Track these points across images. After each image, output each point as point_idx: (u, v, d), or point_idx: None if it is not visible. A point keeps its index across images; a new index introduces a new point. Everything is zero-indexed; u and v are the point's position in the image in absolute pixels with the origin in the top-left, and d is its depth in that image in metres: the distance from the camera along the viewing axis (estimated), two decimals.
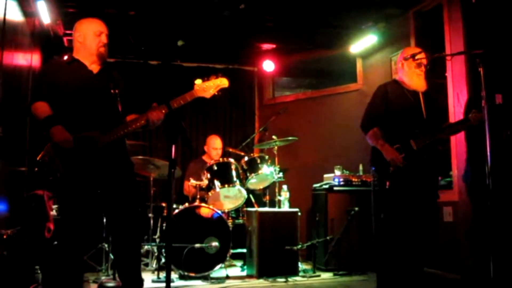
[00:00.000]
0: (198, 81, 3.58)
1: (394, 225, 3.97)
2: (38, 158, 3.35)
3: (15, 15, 5.04)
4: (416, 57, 4.10)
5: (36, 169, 3.34)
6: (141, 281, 3.54)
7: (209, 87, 3.59)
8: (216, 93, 3.63)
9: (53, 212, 5.05)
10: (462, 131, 4.29)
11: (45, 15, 5.57)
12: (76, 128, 3.37)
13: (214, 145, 6.71)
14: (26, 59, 5.58)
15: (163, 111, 3.46)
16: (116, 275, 5.11)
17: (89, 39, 3.58)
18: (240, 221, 6.19)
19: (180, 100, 3.51)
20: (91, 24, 3.63)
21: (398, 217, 3.96)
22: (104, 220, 5.03)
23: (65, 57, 3.68)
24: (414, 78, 4.14)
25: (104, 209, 3.61)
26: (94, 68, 3.61)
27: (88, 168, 3.37)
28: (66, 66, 3.57)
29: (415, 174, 3.94)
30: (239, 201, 5.91)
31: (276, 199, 5.91)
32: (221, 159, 5.92)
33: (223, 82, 3.64)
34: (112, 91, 3.51)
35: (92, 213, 3.50)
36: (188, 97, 3.53)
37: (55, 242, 4.59)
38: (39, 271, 4.49)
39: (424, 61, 4.16)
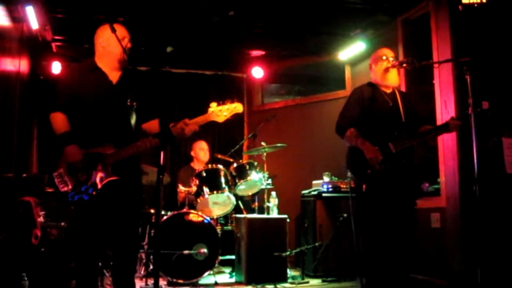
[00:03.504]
0: (213, 105, 3.57)
1: (373, 230, 3.95)
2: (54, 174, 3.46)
3: (3, 20, 5.01)
4: (383, 55, 4.17)
5: (47, 176, 3.46)
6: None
7: (223, 111, 3.58)
8: (229, 118, 3.63)
9: (41, 219, 5.01)
10: (441, 134, 4.31)
11: (33, 20, 5.54)
12: (90, 140, 3.47)
13: (201, 146, 6.74)
14: (14, 64, 5.55)
15: (197, 124, 3.54)
16: (104, 282, 5.09)
17: (113, 44, 3.58)
18: (229, 227, 6.18)
19: (194, 123, 3.54)
20: (117, 28, 3.60)
21: (376, 221, 3.93)
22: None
23: (88, 63, 3.70)
24: (387, 74, 4.14)
25: (106, 219, 3.60)
26: (114, 76, 3.65)
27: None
28: (88, 74, 3.61)
29: (393, 178, 3.91)
30: (228, 208, 5.90)
31: (265, 206, 5.91)
32: (209, 166, 5.91)
33: (238, 108, 3.63)
34: (128, 102, 3.54)
35: (96, 223, 3.52)
36: (201, 120, 3.56)
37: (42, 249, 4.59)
38: (26, 278, 4.45)
39: (390, 54, 4.19)
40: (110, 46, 3.60)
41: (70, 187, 3.39)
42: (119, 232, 3.55)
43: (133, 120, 3.63)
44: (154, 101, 3.84)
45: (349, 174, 6.22)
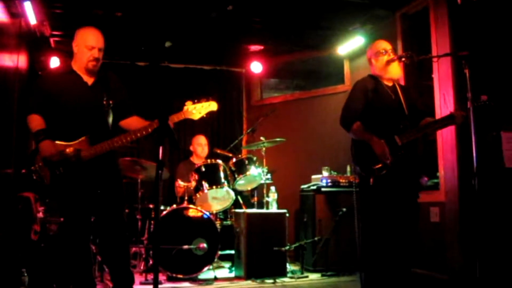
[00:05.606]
0: (188, 103, 3.74)
1: (381, 224, 3.94)
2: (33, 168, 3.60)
3: (1, 16, 5.00)
4: (382, 49, 4.15)
5: (24, 171, 3.54)
6: (132, 277, 3.73)
7: (198, 109, 3.75)
8: (204, 116, 3.81)
9: (40, 214, 5.01)
10: (446, 127, 4.29)
11: (31, 16, 5.53)
12: (66, 138, 3.59)
13: (199, 141, 6.73)
14: (13, 60, 5.54)
15: (172, 122, 3.67)
16: (104, 277, 5.10)
17: (81, 52, 3.71)
18: (228, 222, 6.19)
19: (169, 121, 3.63)
20: (87, 36, 3.73)
21: (382, 214, 3.91)
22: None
23: (63, 66, 3.86)
24: (388, 67, 4.10)
25: (92, 212, 3.76)
26: (89, 79, 3.77)
27: (72, 177, 3.58)
28: (63, 77, 3.73)
29: (400, 171, 3.88)
30: (227, 203, 5.91)
31: (264, 200, 5.91)
32: (209, 161, 5.90)
33: (212, 106, 3.81)
34: (105, 102, 3.68)
35: (80, 215, 3.66)
36: (176, 118, 3.69)
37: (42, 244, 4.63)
38: (25, 274, 4.46)
39: (389, 47, 4.18)
40: (80, 52, 3.72)
41: (47, 181, 3.55)
42: (103, 221, 3.74)
43: (110, 119, 3.75)
44: (130, 100, 3.96)
45: (348, 168, 6.31)
